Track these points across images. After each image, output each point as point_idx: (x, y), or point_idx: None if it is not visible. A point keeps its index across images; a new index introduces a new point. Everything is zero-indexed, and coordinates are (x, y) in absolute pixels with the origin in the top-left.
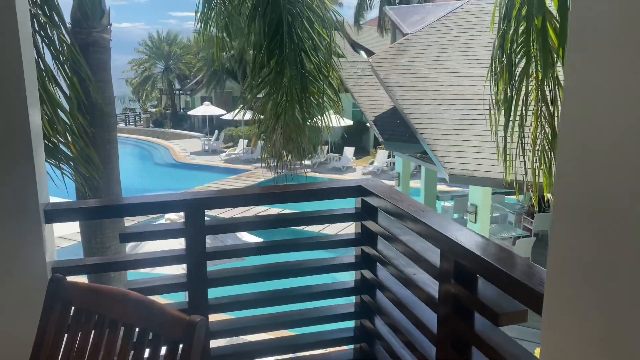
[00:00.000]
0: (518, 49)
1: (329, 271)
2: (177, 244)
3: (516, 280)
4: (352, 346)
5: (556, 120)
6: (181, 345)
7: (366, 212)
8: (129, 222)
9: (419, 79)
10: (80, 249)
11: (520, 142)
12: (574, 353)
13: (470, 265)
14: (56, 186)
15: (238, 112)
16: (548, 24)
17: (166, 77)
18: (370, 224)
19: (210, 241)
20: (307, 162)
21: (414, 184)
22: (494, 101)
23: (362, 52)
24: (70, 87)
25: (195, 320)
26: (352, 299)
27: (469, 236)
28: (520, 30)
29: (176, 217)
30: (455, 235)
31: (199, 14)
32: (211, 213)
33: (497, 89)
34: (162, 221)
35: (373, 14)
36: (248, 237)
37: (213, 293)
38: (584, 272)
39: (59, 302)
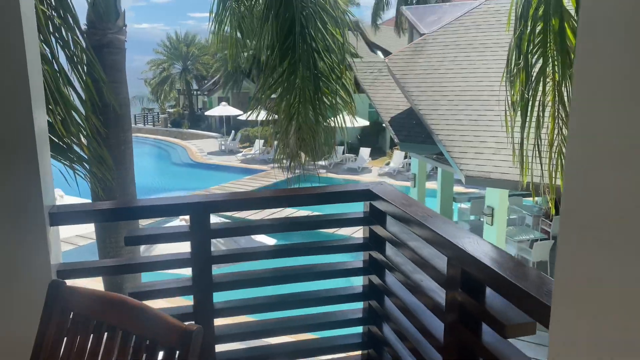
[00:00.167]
0: (534, 50)
1: (337, 276)
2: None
3: (523, 291)
4: (359, 352)
5: None
6: (177, 353)
7: (374, 217)
8: (144, 222)
9: (436, 80)
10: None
11: (536, 144)
12: None
13: (477, 274)
14: (69, 186)
15: (251, 113)
16: (566, 24)
17: (184, 77)
18: (378, 229)
19: (223, 241)
20: (322, 162)
21: (430, 185)
22: (509, 102)
23: (379, 52)
24: (84, 89)
25: (191, 328)
26: (360, 304)
27: (477, 244)
28: (537, 30)
29: None
30: (463, 242)
31: (213, 14)
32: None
33: (514, 91)
34: (176, 222)
35: (390, 14)
36: (263, 239)
37: (219, 296)
38: (592, 284)
39: (58, 307)
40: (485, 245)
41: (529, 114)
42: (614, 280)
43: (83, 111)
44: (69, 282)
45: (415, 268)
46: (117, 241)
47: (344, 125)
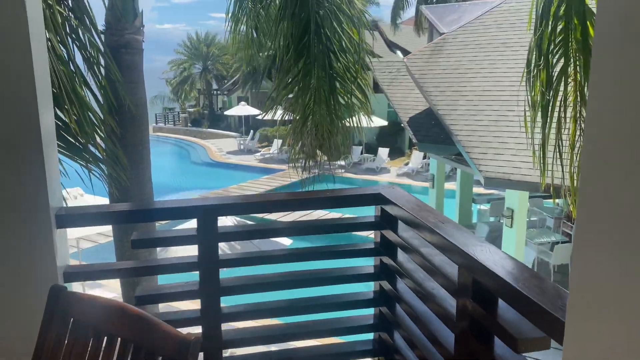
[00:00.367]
0: (555, 49)
1: (347, 281)
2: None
3: (536, 305)
4: (370, 359)
5: None
6: None
7: (385, 221)
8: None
9: (455, 79)
10: None
11: (557, 145)
12: None
13: (489, 284)
14: (85, 185)
15: (266, 113)
16: (588, 23)
17: (204, 77)
18: (389, 234)
19: (239, 246)
20: (341, 162)
21: (450, 185)
22: (530, 103)
23: (398, 52)
24: (100, 89)
25: (189, 338)
26: (371, 310)
27: (489, 253)
28: (558, 29)
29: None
30: (474, 251)
31: (229, 14)
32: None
33: (534, 91)
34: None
35: (410, 13)
36: (279, 238)
37: (226, 300)
38: (610, 300)
39: (58, 312)
40: (497, 254)
41: (549, 115)
42: (635, 298)
43: (99, 111)
44: (77, 285)
45: (426, 275)
46: None
47: (360, 125)
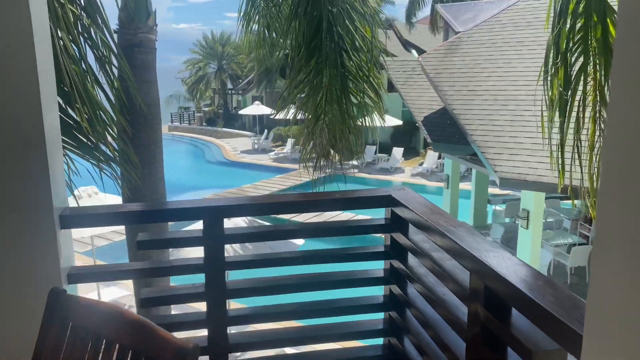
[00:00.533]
0: (574, 47)
1: (356, 285)
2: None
3: (551, 315)
4: None
5: None
6: None
7: (395, 224)
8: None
9: (470, 79)
10: None
11: (576, 146)
12: None
13: (501, 292)
14: (99, 184)
15: (277, 113)
16: (608, 20)
17: (219, 76)
18: (399, 237)
19: (251, 246)
20: (354, 162)
21: (465, 186)
22: (547, 102)
23: (413, 51)
24: (112, 88)
25: (187, 345)
26: (381, 315)
27: (502, 258)
28: (577, 27)
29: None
30: (486, 256)
31: (242, 13)
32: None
33: (552, 90)
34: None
35: (426, 12)
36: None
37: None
38: (631, 312)
39: (57, 315)
40: (510, 260)
41: (567, 114)
42: None
43: (111, 110)
44: (82, 286)
45: (437, 280)
46: None
47: (373, 124)
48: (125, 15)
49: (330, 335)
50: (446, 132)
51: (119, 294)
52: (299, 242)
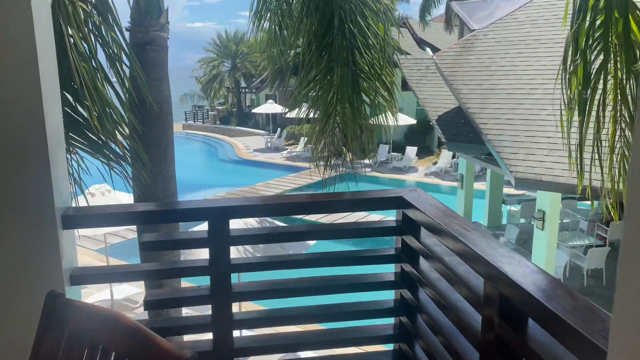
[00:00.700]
0: (594, 44)
1: (366, 289)
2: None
3: (572, 328)
4: None
5: None
6: None
7: (407, 227)
8: None
9: (486, 77)
10: None
11: (595, 146)
12: None
13: (517, 301)
14: (105, 181)
15: (288, 111)
16: (630, 16)
17: (233, 75)
18: (410, 240)
19: (262, 246)
20: (367, 161)
21: (479, 185)
22: (565, 101)
23: (428, 49)
24: (122, 86)
25: (185, 356)
26: (391, 320)
27: (518, 265)
28: (597, 24)
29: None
30: (502, 263)
31: (253, 12)
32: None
33: (570, 89)
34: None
35: (441, 9)
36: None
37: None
38: None
39: (54, 320)
40: (528, 267)
41: (586, 114)
42: None
43: (121, 108)
44: (85, 288)
45: (449, 286)
46: None
47: (386, 123)
48: (137, 13)
49: (339, 340)
50: (461, 131)
51: (131, 291)
52: (311, 241)
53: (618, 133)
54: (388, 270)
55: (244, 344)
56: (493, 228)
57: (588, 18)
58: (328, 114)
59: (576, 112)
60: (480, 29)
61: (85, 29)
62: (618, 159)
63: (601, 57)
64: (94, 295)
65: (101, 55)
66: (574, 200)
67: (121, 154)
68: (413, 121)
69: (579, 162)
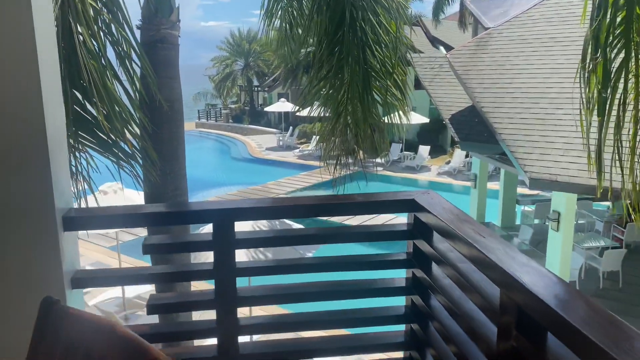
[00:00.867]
0: (614, 42)
1: (375, 295)
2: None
3: (594, 345)
4: None
5: None
6: None
7: (418, 231)
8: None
9: (500, 76)
10: None
11: (616, 147)
12: None
13: (535, 313)
14: (115, 180)
15: (299, 109)
16: None
17: (246, 74)
18: (422, 245)
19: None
20: (379, 160)
21: (493, 185)
22: (584, 101)
23: (442, 48)
24: (131, 85)
25: None
26: (402, 327)
27: (536, 275)
28: (617, 21)
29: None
30: (520, 272)
31: (264, 10)
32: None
33: (589, 88)
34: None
35: (455, 7)
36: None
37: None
38: None
39: (47, 329)
40: (547, 277)
41: (607, 114)
42: None
43: (130, 107)
44: (86, 291)
45: (463, 294)
46: None
47: (400, 121)
48: (147, 11)
49: (347, 347)
50: (474, 130)
51: (143, 289)
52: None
53: None
54: (399, 275)
55: (249, 350)
56: (506, 229)
57: (609, 15)
58: (338, 113)
59: (595, 112)
60: (494, 27)
61: (95, 26)
62: (639, 161)
63: (622, 55)
64: (105, 292)
65: (111, 53)
66: (589, 201)
67: (130, 152)
68: (426, 120)
69: (597, 164)
